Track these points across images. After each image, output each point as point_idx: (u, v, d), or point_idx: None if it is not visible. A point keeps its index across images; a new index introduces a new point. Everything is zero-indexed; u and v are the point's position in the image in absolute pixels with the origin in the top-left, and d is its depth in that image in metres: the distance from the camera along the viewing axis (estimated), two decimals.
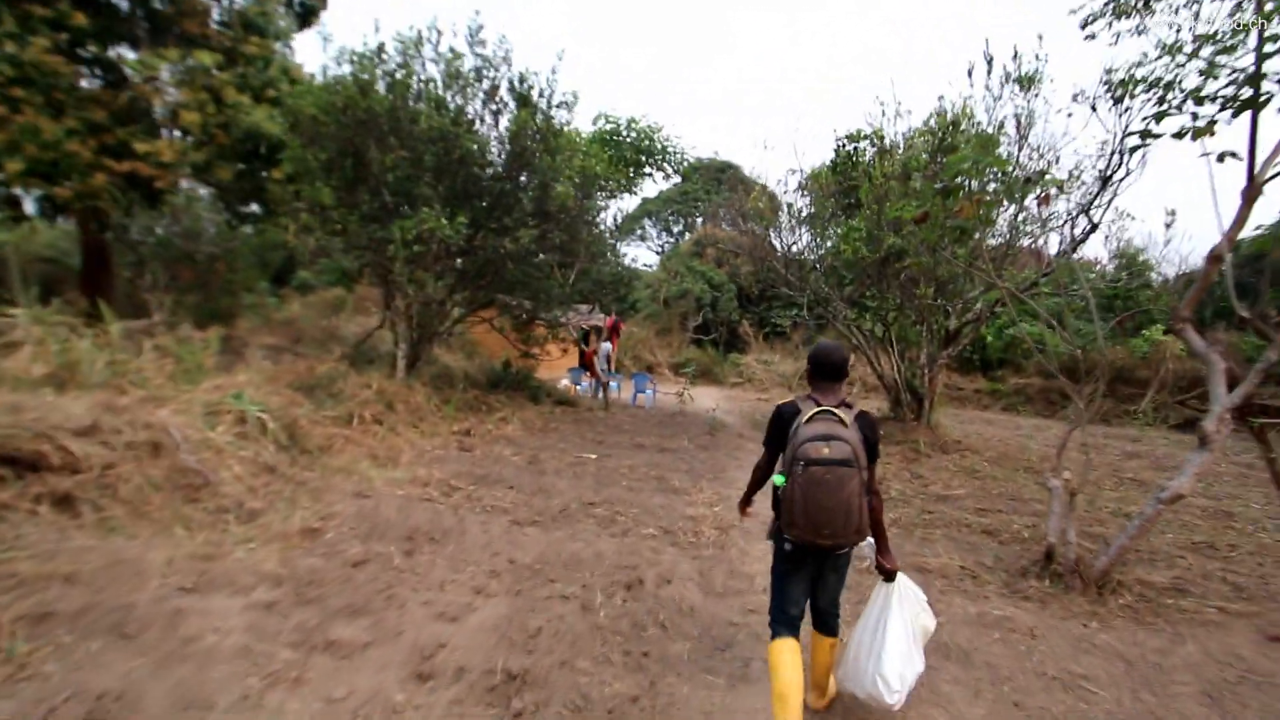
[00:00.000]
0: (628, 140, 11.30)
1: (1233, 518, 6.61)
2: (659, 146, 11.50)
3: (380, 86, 7.74)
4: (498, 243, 8.21)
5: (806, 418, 2.32)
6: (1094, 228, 8.24)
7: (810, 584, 2.54)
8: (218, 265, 18.67)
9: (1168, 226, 8.64)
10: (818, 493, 2.21)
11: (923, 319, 9.62)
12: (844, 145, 10.17)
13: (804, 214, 10.22)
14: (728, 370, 25.33)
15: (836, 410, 2.33)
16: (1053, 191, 6.34)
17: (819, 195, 9.54)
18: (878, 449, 2.45)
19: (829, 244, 8.76)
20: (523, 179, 8.61)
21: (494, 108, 8.37)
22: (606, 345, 14.90)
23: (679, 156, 11.66)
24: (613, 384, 15.52)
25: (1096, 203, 8.47)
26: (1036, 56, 7.83)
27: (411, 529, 4.47)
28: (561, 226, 8.96)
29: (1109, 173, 7.59)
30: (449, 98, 8.34)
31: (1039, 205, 4.59)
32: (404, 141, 7.68)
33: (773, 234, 11.26)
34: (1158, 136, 4.52)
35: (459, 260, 9.47)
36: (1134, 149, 5.38)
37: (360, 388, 7.97)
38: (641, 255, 62.93)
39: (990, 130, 7.13)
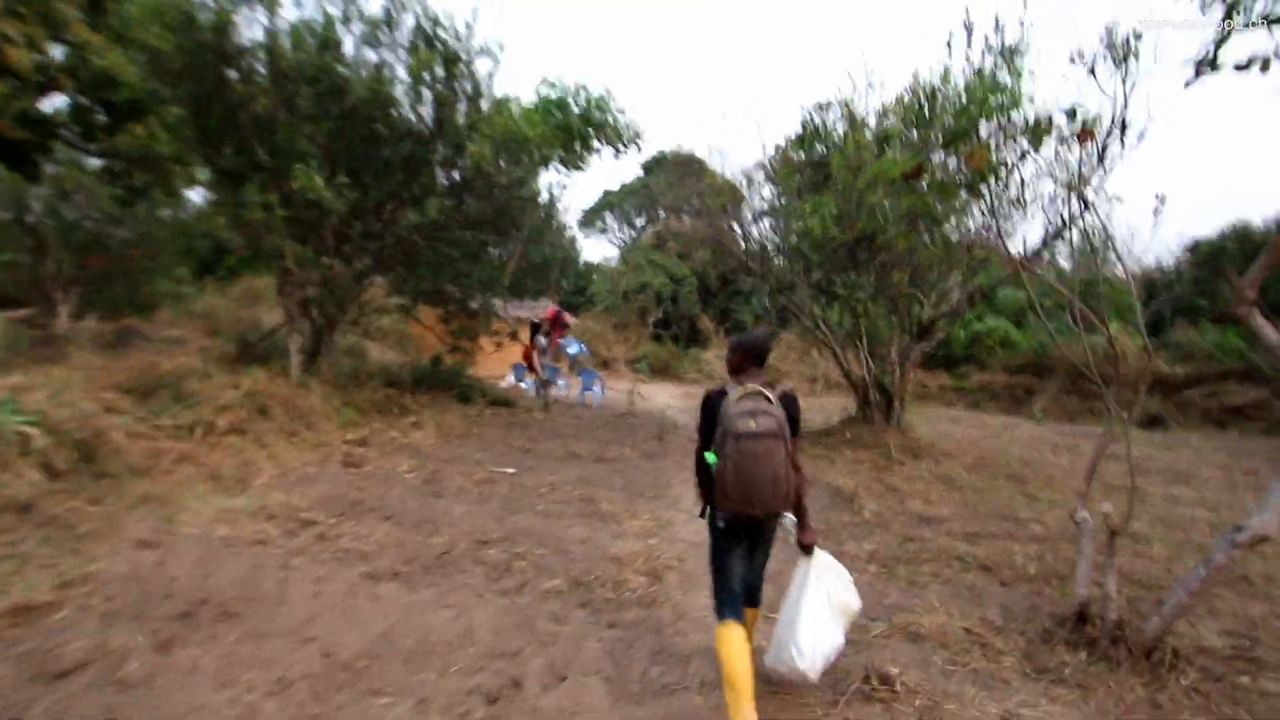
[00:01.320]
0: (575, 111, 9.92)
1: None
2: (610, 119, 10.15)
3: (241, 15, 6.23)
4: (406, 216, 6.80)
5: (735, 398, 2.43)
6: (1086, 206, 7.32)
7: (747, 558, 2.63)
8: (132, 252, 16.59)
9: (1156, 213, 7.81)
10: (748, 464, 2.32)
11: (895, 309, 8.60)
12: (811, 118, 9.06)
13: (768, 191, 9.08)
14: (687, 366, 24.23)
15: (762, 389, 2.45)
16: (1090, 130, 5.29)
17: (784, 170, 8.40)
18: (799, 425, 2.60)
19: (795, 225, 7.65)
20: (433, 138, 7.20)
21: (397, 51, 6.93)
22: (543, 340, 13.52)
23: (632, 131, 10.32)
24: (560, 383, 14.24)
25: (1091, 178, 7.56)
26: (1022, 24, 6.83)
27: (201, 598, 3.11)
28: (480, 196, 7.59)
29: (1107, 141, 6.65)
30: (344, 39, 6.89)
31: (1080, 142, 3.45)
32: (275, 80, 6.20)
33: (732, 219, 10.12)
34: (1215, 68, 3.48)
35: (365, 237, 8.02)
36: (1187, 84, 4.34)
37: (225, 388, 6.49)
38: (602, 248, 61.44)
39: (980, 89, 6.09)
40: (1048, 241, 8.18)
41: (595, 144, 10.61)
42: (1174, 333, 18.85)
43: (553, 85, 9.86)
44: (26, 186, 13.11)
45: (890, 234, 7.33)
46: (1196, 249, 21.68)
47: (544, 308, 21.62)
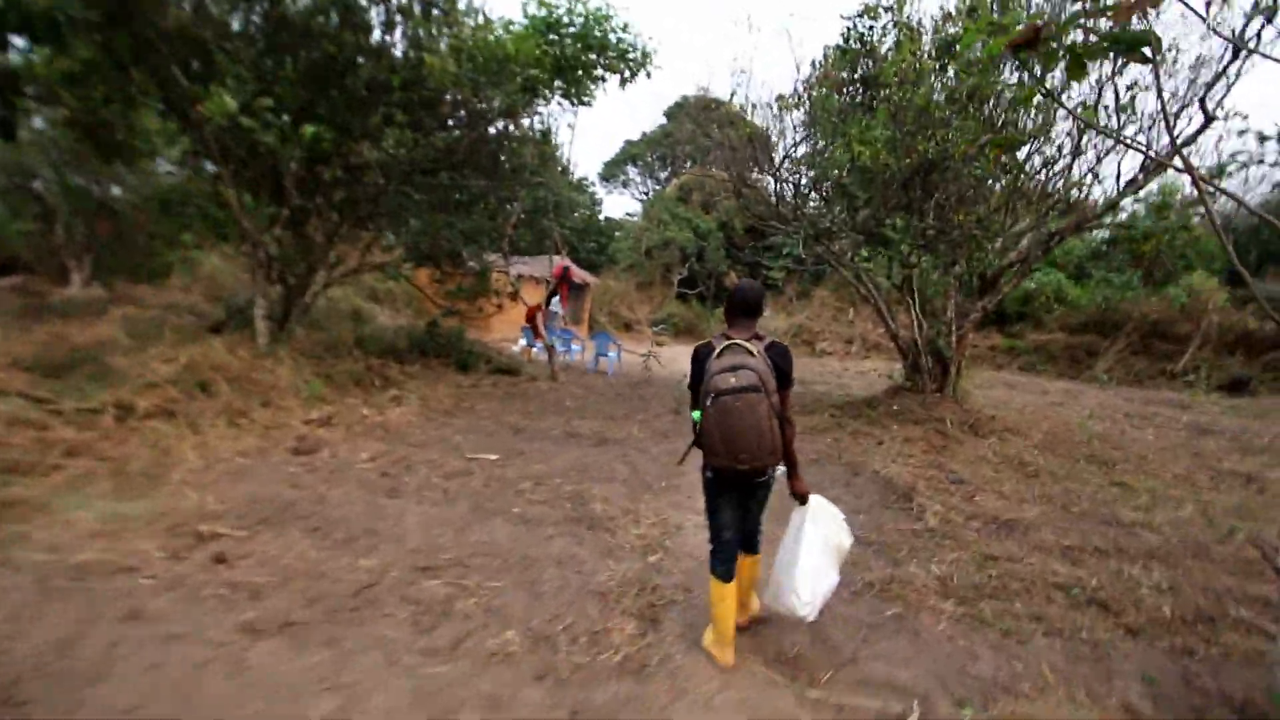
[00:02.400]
0: (569, 32, 8.52)
1: None
2: (612, 40, 8.74)
3: None
4: (362, 153, 5.66)
5: (717, 352, 2.46)
6: (1209, 121, 5.79)
7: (739, 509, 2.67)
8: (139, 217, 15.91)
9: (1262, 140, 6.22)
10: (729, 419, 2.34)
11: (955, 259, 7.20)
12: (854, 27, 7.51)
13: (802, 119, 7.62)
14: (714, 326, 22.95)
15: (745, 343, 2.44)
16: None
17: (825, 87, 6.94)
18: (790, 377, 2.55)
19: (838, 155, 6.27)
20: (382, 52, 5.91)
21: None
22: (555, 301, 12.44)
23: (639, 52, 8.89)
24: (574, 347, 13.18)
25: (1213, 88, 6.00)
26: None
27: None
28: (456, 128, 6.37)
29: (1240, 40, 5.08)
30: None
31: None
32: None
33: (760, 158, 8.70)
34: None
35: (335, 185, 6.91)
36: None
37: (160, 362, 5.57)
38: (625, 203, 59.33)
39: None
40: (1148, 171, 6.66)
41: (598, 71, 9.21)
42: (1264, 283, 16.75)
43: (544, 3, 8.44)
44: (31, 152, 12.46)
45: (959, 162, 5.93)
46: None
47: (549, 264, 20.46)
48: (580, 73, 9.11)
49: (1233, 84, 5.97)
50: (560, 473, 5.07)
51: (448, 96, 6.02)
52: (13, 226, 14.89)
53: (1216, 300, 16.14)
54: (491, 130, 6.99)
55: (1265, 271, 17.43)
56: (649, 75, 9.37)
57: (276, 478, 4.48)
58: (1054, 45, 2.68)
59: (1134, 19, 2.30)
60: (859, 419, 7.83)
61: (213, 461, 4.60)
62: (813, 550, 2.59)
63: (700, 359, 2.55)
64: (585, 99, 10.18)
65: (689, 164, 32.84)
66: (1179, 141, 5.23)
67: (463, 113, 6.35)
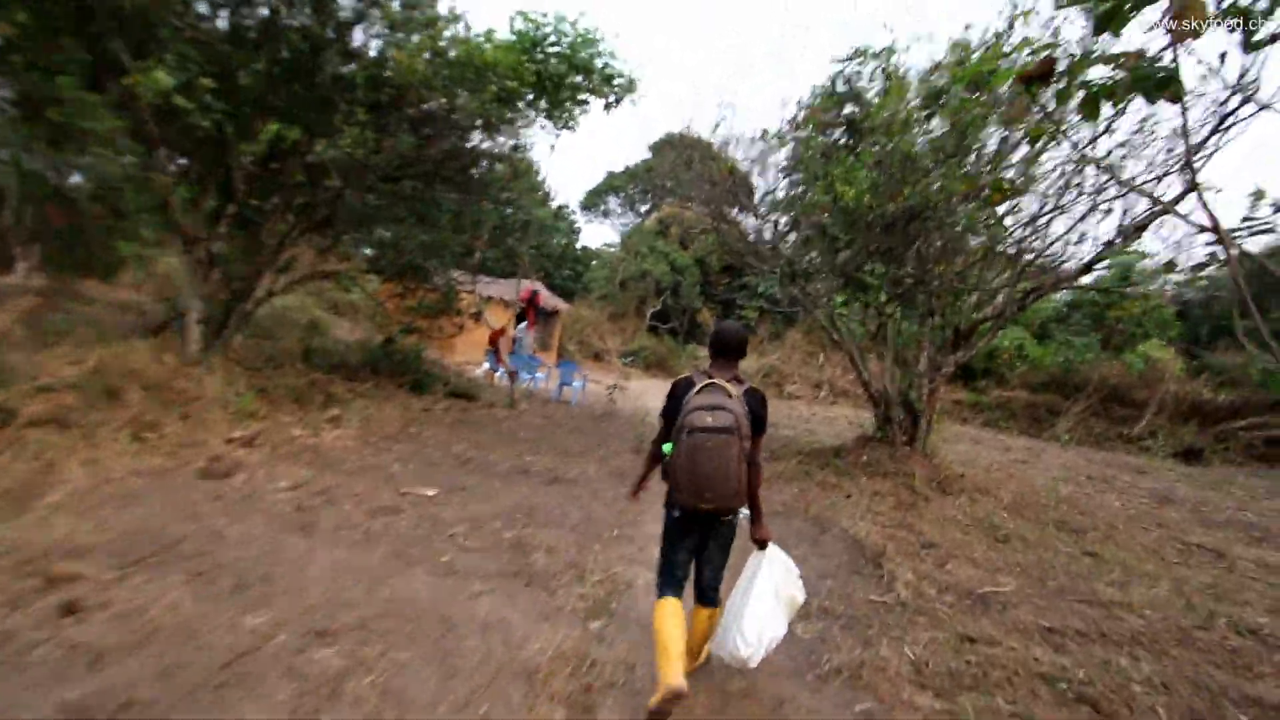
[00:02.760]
0: (554, 51, 8.31)
1: None
2: (598, 64, 8.55)
3: None
4: (327, 149, 5.23)
5: (697, 389, 2.45)
6: (1193, 187, 5.75)
7: (694, 552, 2.63)
8: (95, 207, 15.04)
9: (1253, 204, 6.23)
10: (699, 457, 2.33)
11: (933, 310, 7.04)
12: (841, 71, 7.46)
13: (783, 157, 7.47)
14: (685, 362, 22.71)
15: (725, 384, 2.44)
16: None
17: (810, 122, 6.80)
18: (764, 423, 2.55)
19: (818, 196, 6.08)
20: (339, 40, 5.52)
21: None
22: (522, 327, 12.00)
23: (626, 81, 8.72)
24: (538, 375, 12.72)
25: (1198, 154, 5.99)
26: None
27: None
28: (414, 129, 5.98)
29: (1227, 113, 5.08)
30: None
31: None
32: None
33: (739, 194, 8.54)
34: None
35: (294, 187, 6.45)
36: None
37: (66, 362, 4.96)
38: (605, 233, 59.58)
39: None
40: (1126, 235, 6.63)
41: (581, 95, 9.01)
42: (1215, 355, 17.28)
43: (530, 20, 8.23)
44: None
45: (941, 212, 5.78)
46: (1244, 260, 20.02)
47: (516, 287, 20.08)
48: (562, 93, 8.90)
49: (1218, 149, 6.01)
50: (503, 514, 4.58)
51: (416, 98, 5.64)
52: None
53: (1173, 369, 16.57)
54: (464, 141, 6.63)
55: (1216, 344, 17.99)
56: (634, 103, 9.22)
57: (172, 506, 3.91)
58: (1068, 81, 2.46)
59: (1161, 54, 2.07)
60: (827, 469, 7.53)
61: (101, 482, 4.01)
62: (764, 596, 2.56)
63: (678, 394, 2.54)
64: (568, 123, 9.97)
65: (670, 199, 33.10)
66: (1181, 193, 5.15)
67: (432, 118, 5.98)
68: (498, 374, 12.54)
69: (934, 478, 7.34)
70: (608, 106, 9.31)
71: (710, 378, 2.48)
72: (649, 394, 15.55)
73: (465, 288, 8.54)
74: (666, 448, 2.52)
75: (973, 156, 6.43)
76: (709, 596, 2.66)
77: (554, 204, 28.85)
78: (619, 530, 4.67)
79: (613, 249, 30.78)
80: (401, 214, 6.70)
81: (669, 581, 2.58)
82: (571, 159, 63.79)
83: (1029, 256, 7.34)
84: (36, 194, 13.84)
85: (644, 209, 35.58)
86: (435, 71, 5.43)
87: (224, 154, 5.60)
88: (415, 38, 5.43)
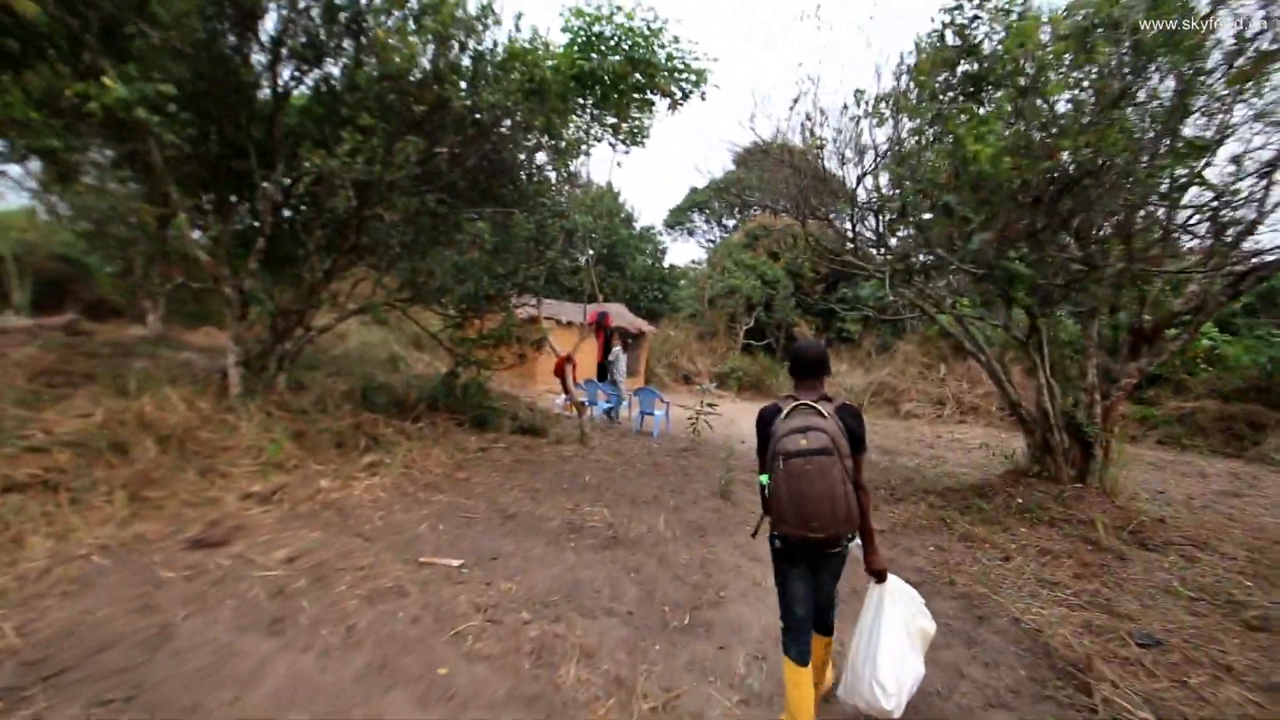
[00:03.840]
0: (613, 49, 7.46)
1: None
2: (661, 56, 7.61)
3: None
4: (328, 162, 4.58)
5: (784, 414, 2.34)
6: None
7: (811, 582, 2.44)
8: (206, 260, 16.18)
9: None
10: (800, 484, 2.21)
11: (1114, 305, 5.30)
12: (951, 20, 5.98)
13: (884, 135, 6.04)
14: (782, 380, 21.01)
15: (815, 404, 2.33)
16: None
17: (920, 75, 5.37)
18: (863, 441, 2.38)
19: (938, 160, 4.65)
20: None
21: None
22: (617, 349, 11.08)
23: (693, 74, 7.71)
24: (609, 404, 11.77)
25: None
26: None
27: None
28: (428, 132, 5.17)
29: None
30: None
31: None
32: None
33: (829, 176, 7.16)
34: None
35: (315, 207, 5.92)
36: None
37: (74, 415, 4.53)
38: (691, 251, 58.59)
39: None
40: None
41: (644, 93, 8.09)
42: None
43: (583, 14, 7.43)
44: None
45: (1116, 173, 4.17)
46: None
47: (583, 310, 19.35)
48: (621, 94, 8.01)
49: None
50: (536, 596, 3.52)
51: (433, 99, 4.89)
52: (103, 271, 15.29)
53: None
54: (498, 150, 5.84)
55: None
56: (703, 97, 8.16)
57: (131, 591, 3.18)
58: None
59: None
60: (970, 514, 5.89)
61: (60, 559, 3.37)
62: (894, 634, 2.37)
63: (766, 422, 2.43)
64: (634, 133, 9.07)
65: (756, 209, 31.63)
66: None
67: (459, 121, 5.22)
68: (594, 408, 11.72)
69: (1122, 525, 5.51)
70: (673, 106, 8.33)
71: (796, 400, 2.38)
72: (741, 419, 14.13)
73: (528, 310, 7.73)
74: (763, 478, 2.40)
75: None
76: (824, 623, 2.55)
77: (636, 224, 28.33)
78: (691, 615, 3.47)
79: (699, 266, 29.73)
80: (428, 234, 5.98)
81: (792, 625, 2.41)
82: (652, 176, 63.91)
83: (1236, 229, 5.41)
84: (158, 252, 14.63)
85: (730, 224, 34.32)
86: (454, 67, 4.65)
87: (240, 182, 5.09)
88: (396, 14, 4.69)
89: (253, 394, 6.19)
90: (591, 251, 8.24)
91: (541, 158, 6.67)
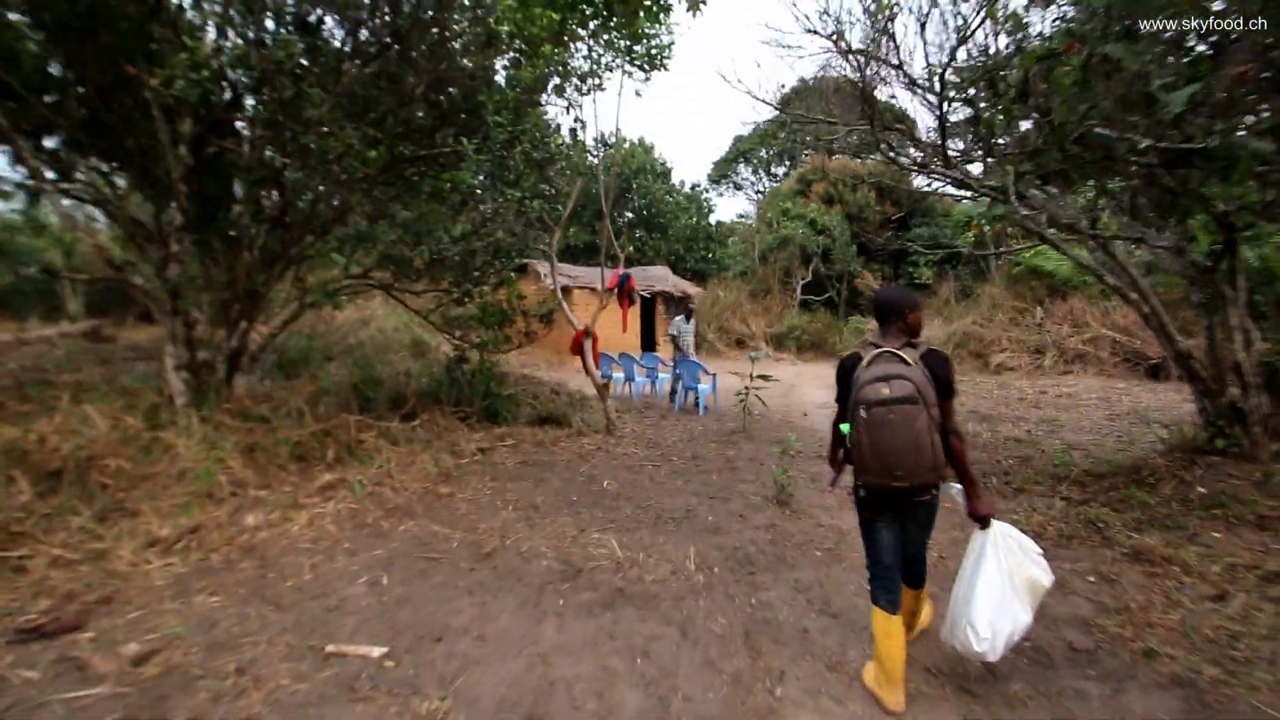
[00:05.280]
0: None
1: None
2: None
3: None
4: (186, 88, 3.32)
5: (866, 362, 2.28)
6: None
7: (898, 531, 2.38)
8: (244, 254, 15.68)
9: None
10: (883, 433, 2.16)
11: None
12: None
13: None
14: (848, 338, 19.02)
15: (899, 351, 2.25)
16: None
17: None
18: (952, 386, 2.28)
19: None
20: None
21: None
22: (679, 320, 9.62)
23: None
24: (660, 376, 10.43)
25: None
26: None
27: None
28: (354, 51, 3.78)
29: None
30: None
31: None
32: None
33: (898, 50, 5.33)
34: None
35: (253, 180, 4.73)
36: None
37: None
38: (739, 206, 55.61)
39: None
40: None
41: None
42: None
43: None
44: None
45: None
46: None
47: (655, 279, 17.83)
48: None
49: None
50: (483, 715, 2.23)
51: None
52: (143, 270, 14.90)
53: None
54: (441, 68, 4.42)
55: None
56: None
57: None
58: None
59: None
60: (1129, 512, 4.22)
61: None
62: (993, 581, 2.28)
63: (848, 370, 2.37)
64: (654, 56, 7.46)
65: (806, 156, 29.04)
66: None
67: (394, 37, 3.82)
68: (621, 380, 10.41)
69: None
70: (693, 7, 6.64)
71: (879, 347, 2.29)
72: (802, 385, 12.48)
73: (560, 278, 6.37)
74: (844, 427, 2.38)
75: None
76: (915, 575, 2.53)
77: (676, 179, 26.41)
78: None
79: (747, 220, 27.65)
80: (395, 191, 4.69)
81: (881, 579, 2.35)
82: (694, 131, 60.82)
83: None
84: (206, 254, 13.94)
85: (781, 171, 31.77)
86: None
87: (142, 142, 3.92)
88: None
89: (201, 402, 5.17)
90: (605, 206, 6.76)
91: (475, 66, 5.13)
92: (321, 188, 4.56)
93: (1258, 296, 4.67)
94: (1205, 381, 4.56)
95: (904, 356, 2.21)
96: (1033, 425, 8.02)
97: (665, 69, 7.91)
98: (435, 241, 5.21)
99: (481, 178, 4.77)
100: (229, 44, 4.28)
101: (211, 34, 4.48)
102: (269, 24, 4.79)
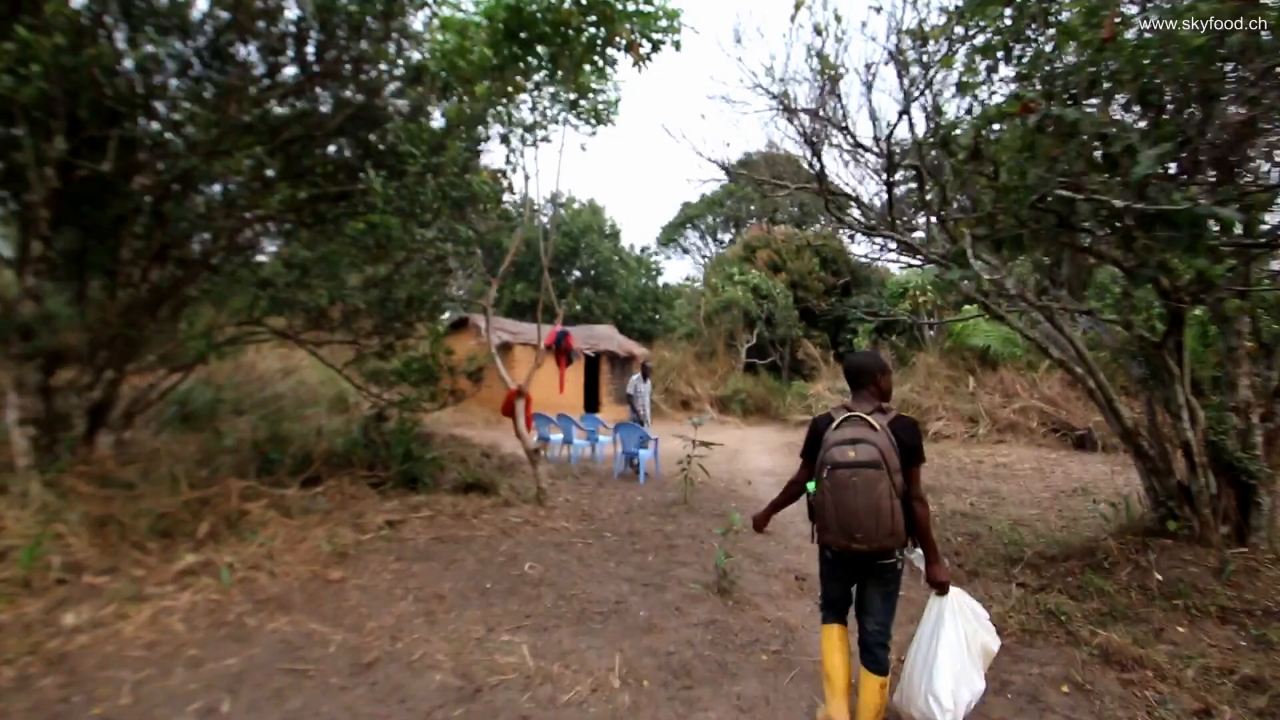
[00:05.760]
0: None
1: None
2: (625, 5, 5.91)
3: None
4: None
5: (836, 424, 2.34)
6: None
7: (853, 590, 2.51)
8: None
9: None
10: (844, 496, 2.22)
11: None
12: None
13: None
14: (790, 402, 19.04)
15: (867, 416, 2.32)
16: None
17: None
18: (919, 452, 2.34)
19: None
20: None
21: None
22: (636, 380, 9.17)
23: (665, 16, 6.00)
24: (600, 439, 9.95)
25: None
26: None
27: None
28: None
29: None
30: None
31: None
32: None
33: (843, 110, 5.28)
34: None
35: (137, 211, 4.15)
36: None
37: None
38: (686, 270, 56.96)
39: None
40: None
41: (609, 48, 6.40)
42: None
43: None
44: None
45: None
46: None
47: (602, 339, 17.51)
48: (572, 51, 6.28)
49: None
50: None
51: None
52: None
53: None
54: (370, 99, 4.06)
55: None
56: (677, 46, 6.44)
57: None
58: None
59: None
60: (1085, 599, 3.96)
61: None
62: (953, 648, 2.32)
63: (818, 431, 2.44)
64: (600, 111, 7.39)
65: (752, 222, 30.05)
66: None
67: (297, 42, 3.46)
68: (569, 443, 9.81)
69: None
70: (638, 62, 6.60)
71: (850, 410, 2.38)
72: (746, 450, 12.18)
73: (499, 334, 5.88)
74: (811, 486, 2.41)
75: None
76: (875, 655, 2.37)
77: (623, 240, 26.66)
78: None
79: (694, 283, 28.04)
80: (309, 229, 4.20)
81: (829, 606, 2.54)
82: (642, 195, 62.65)
83: None
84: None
85: (726, 238, 32.70)
86: None
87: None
88: None
89: (49, 464, 4.34)
90: (545, 258, 6.44)
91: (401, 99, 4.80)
92: (204, 221, 4.00)
93: (1194, 374, 4.65)
94: (1153, 460, 4.44)
95: (872, 422, 2.27)
96: (975, 497, 7.89)
97: (612, 124, 7.86)
98: (339, 286, 4.68)
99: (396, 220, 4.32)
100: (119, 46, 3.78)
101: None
102: (178, 45, 4.35)
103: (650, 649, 3.23)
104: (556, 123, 7.34)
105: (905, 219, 4.84)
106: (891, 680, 2.46)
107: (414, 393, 6.44)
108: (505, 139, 6.94)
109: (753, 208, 30.46)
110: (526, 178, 8.97)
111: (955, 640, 2.31)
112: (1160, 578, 4.06)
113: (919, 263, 4.62)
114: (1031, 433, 13.79)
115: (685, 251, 34.76)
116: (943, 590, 2.38)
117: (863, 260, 22.42)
